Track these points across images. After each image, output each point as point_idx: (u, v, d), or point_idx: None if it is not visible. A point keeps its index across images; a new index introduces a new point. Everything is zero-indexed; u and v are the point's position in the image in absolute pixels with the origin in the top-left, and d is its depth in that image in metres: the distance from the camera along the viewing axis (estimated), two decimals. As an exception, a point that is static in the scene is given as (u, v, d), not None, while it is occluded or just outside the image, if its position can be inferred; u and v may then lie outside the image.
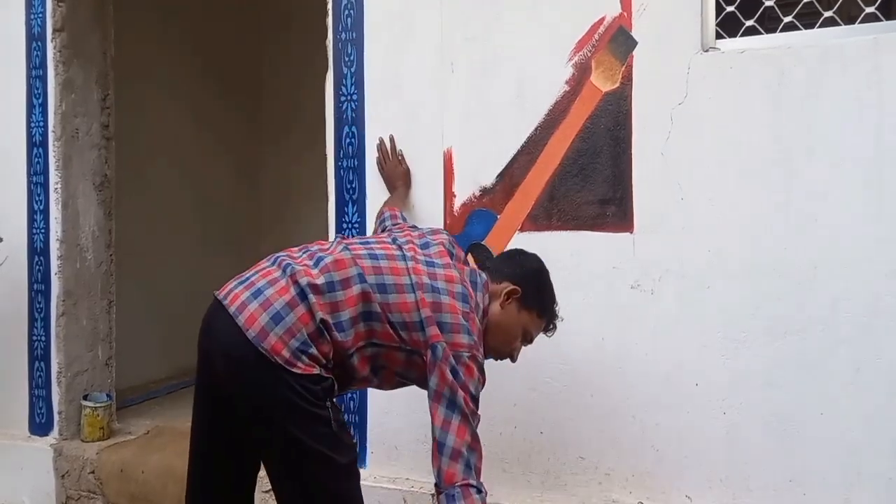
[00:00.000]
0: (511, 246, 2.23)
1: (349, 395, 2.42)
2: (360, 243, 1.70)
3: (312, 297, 1.54)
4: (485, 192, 2.28)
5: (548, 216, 2.20)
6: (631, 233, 2.10)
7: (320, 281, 1.56)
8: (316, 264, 1.60)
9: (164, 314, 4.00)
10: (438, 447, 1.53)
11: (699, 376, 2.02)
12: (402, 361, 1.63)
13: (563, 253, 2.17)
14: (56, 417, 2.94)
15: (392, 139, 2.38)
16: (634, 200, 2.09)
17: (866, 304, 1.87)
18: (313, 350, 1.52)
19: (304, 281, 1.55)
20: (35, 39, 2.98)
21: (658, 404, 2.07)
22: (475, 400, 1.58)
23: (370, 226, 2.38)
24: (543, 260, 1.84)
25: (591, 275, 2.14)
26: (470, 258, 1.89)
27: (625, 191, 2.11)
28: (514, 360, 1.80)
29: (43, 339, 2.98)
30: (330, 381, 1.57)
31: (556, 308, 1.82)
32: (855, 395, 1.89)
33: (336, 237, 1.78)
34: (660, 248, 2.07)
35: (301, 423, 1.51)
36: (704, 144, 2.02)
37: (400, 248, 1.69)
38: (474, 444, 1.55)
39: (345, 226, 2.46)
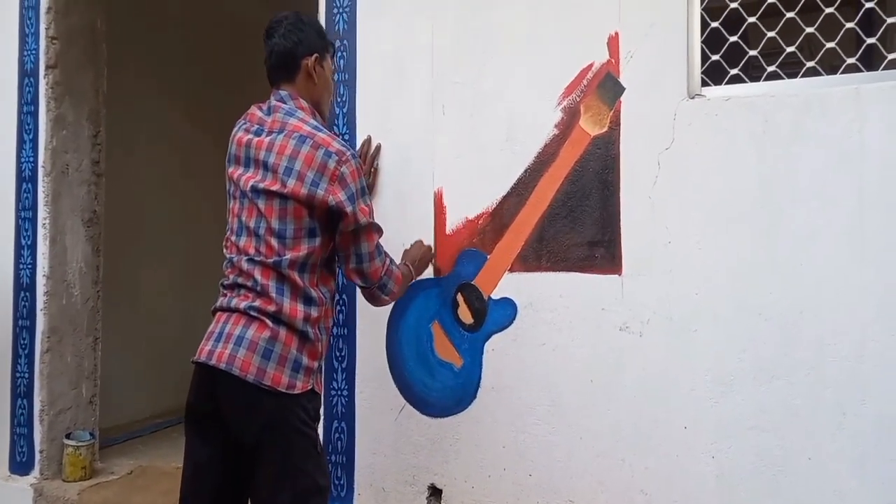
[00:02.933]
0: (503, 287, 2.24)
1: (336, 435, 2.40)
2: (238, 237, 1.76)
3: (284, 315, 1.66)
4: (475, 232, 2.29)
5: (537, 257, 2.21)
6: (619, 275, 2.12)
7: (276, 301, 1.66)
8: (259, 292, 1.67)
9: (149, 352, 3.97)
10: (356, 259, 1.77)
11: (688, 419, 2.02)
12: (328, 248, 1.79)
13: (552, 294, 2.18)
14: (37, 456, 2.90)
15: (372, 143, 2.41)
16: (623, 243, 2.11)
17: (852, 348, 1.88)
18: (305, 361, 1.69)
19: (270, 310, 1.66)
20: (27, 75, 3.00)
21: (647, 447, 2.07)
22: (366, 191, 1.78)
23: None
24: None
25: (579, 316, 2.15)
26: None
27: (613, 233, 2.13)
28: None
29: (26, 375, 2.94)
30: (319, 399, 1.77)
31: (325, 32, 1.96)
32: (841, 439, 1.89)
33: (229, 255, 1.80)
34: (648, 290, 2.08)
35: (296, 442, 1.65)
36: (691, 189, 2.05)
37: (247, 195, 1.74)
38: (380, 237, 1.83)
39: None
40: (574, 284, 2.16)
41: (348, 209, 1.69)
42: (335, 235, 1.76)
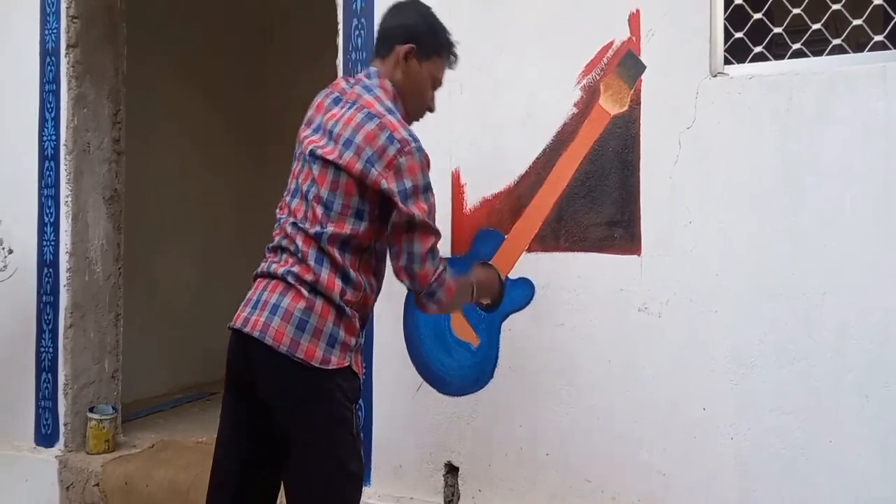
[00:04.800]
0: (520, 267, 2.24)
1: (354, 412, 2.42)
2: (291, 198, 1.72)
3: (321, 286, 1.59)
4: (492, 212, 2.29)
5: (555, 237, 2.21)
6: (639, 255, 2.10)
7: (314, 271, 1.60)
8: (299, 259, 1.63)
9: (169, 329, 4.02)
10: (408, 256, 1.63)
11: (707, 401, 2.02)
12: (381, 237, 1.68)
13: (571, 274, 2.17)
14: (62, 429, 2.95)
15: None
16: (642, 223, 2.10)
17: (875, 331, 1.86)
18: (342, 335, 1.61)
19: (308, 278, 1.60)
20: (49, 55, 3.01)
21: (665, 429, 2.07)
22: (427, 189, 1.65)
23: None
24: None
25: (597, 297, 2.14)
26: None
27: (633, 213, 2.11)
28: (432, 109, 1.86)
29: (51, 350, 2.99)
30: (359, 381, 1.67)
31: (451, 36, 1.81)
32: (864, 422, 1.87)
33: (279, 216, 1.78)
34: (667, 271, 2.07)
35: (330, 423, 1.59)
36: (713, 168, 2.03)
37: (306, 157, 1.70)
38: (436, 240, 1.66)
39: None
40: (592, 265, 2.15)
41: (399, 199, 1.59)
42: (386, 226, 1.68)
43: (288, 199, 1.75)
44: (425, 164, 1.65)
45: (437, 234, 1.68)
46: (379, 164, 1.59)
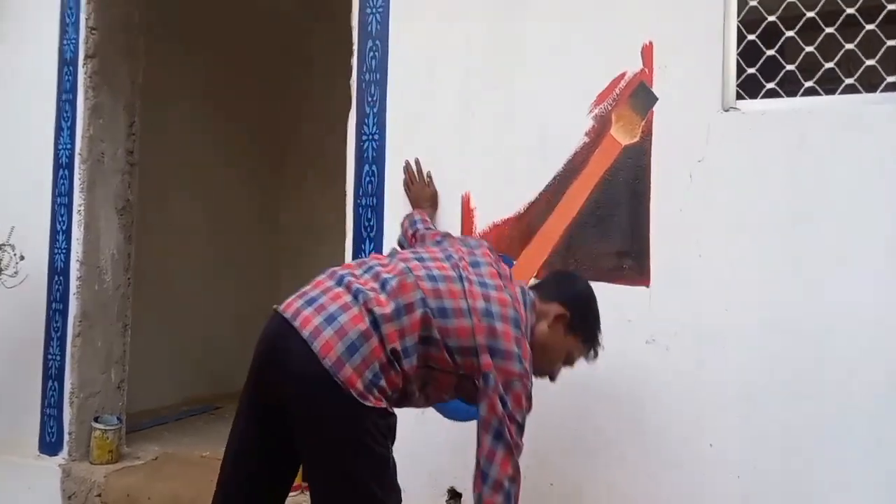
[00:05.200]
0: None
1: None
2: (417, 261, 1.68)
3: (385, 327, 1.53)
4: (501, 237, 2.30)
5: (564, 265, 2.21)
6: (647, 286, 2.11)
7: (390, 309, 1.55)
8: (382, 287, 1.59)
9: (177, 341, 4.03)
10: (482, 476, 1.57)
11: (714, 437, 2.01)
12: (452, 385, 1.65)
13: (578, 303, 2.17)
14: (66, 438, 2.96)
15: (418, 162, 2.40)
16: (652, 254, 2.10)
17: (886, 371, 1.86)
18: (383, 382, 1.52)
19: (377, 311, 1.54)
20: (67, 64, 3.05)
21: (673, 463, 2.06)
22: (521, 430, 1.61)
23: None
24: None
25: (605, 328, 2.11)
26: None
27: (642, 244, 2.12)
28: (553, 379, 1.83)
29: (58, 358, 3.01)
30: (394, 419, 1.59)
31: (600, 336, 1.83)
32: (875, 464, 1.86)
33: (393, 251, 1.78)
34: (676, 303, 2.07)
35: (362, 457, 1.52)
36: (723, 202, 2.03)
37: (455, 266, 1.68)
38: (515, 476, 1.59)
39: (361, 263, 2.48)
40: (601, 294, 2.12)
41: (498, 400, 1.55)
42: (451, 389, 1.66)
43: (413, 257, 1.71)
44: (529, 408, 1.63)
45: (518, 473, 1.61)
46: (499, 362, 1.57)
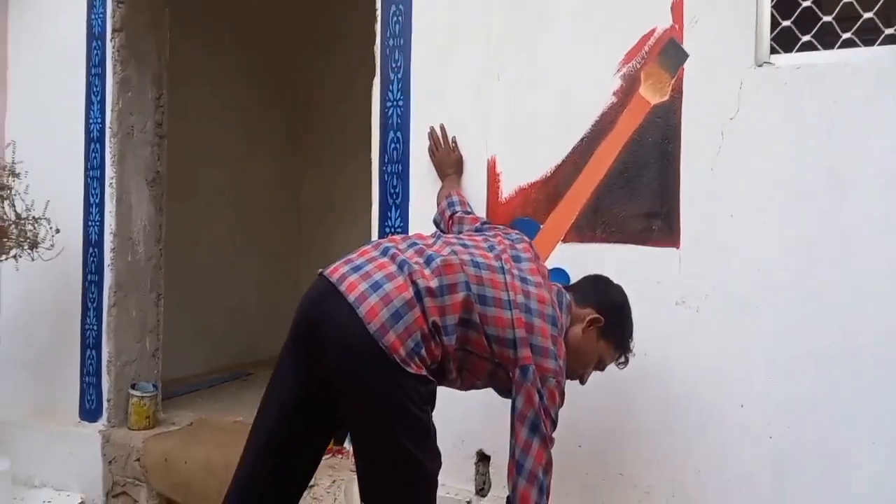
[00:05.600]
0: (556, 257, 2.23)
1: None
2: (461, 245, 1.70)
3: (427, 301, 1.56)
4: (528, 201, 2.27)
5: (592, 228, 2.18)
6: (677, 248, 2.07)
7: (434, 284, 1.57)
8: (427, 263, 1.61)
9: (208, 310, 4.10)
10: (517, 467, 1.61)
11: (744, 399, 1.98)
12: (486, 371, 1.67)
13: (607, 266, 2.13)
14: (105, 405, 3.04)
15: (443, 127, 2.38)
16: (681, 215, 2.06)
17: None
18: (423, 352, 1.55)
19: (421, 283, 1.56)
20: (95, 38, 3.08)
21: (701, 425, 2.04)
22: (554, 425, 1.64)
23: (413, 230, 2.39)
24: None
25: (634, 290, 2.09)
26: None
27: (672, 205, 2.08)
28: (583, 382, 1.85)
29: (95, 328, 3.08)
30: (434, 385, 1.60)
31: (632, 343, 1.84)
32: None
33: (436, 233, 1.80)
34: (706, 265, 2.03)
35: (403, 422, 1.54)
36: (756, 161, 1.98)
37: (498, 257, 1.70)
38: (549, 468, 1.63)
39: (388, 230, 2.48)
40: (630, 257, 2.13)
41: (536, 393, 1.58)
42: (485, 378, 1.69)
43: (457, 242, 1.72)
44: (561, 404, 1.66)
45: (551, 463, 1.63)
46: (536, 358, 1.59)
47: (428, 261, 1.61)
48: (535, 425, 1.60)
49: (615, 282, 1.89)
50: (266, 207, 4.68)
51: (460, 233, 2.00)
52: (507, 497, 1.66)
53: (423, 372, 1.55)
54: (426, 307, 1.55)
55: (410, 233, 2.40)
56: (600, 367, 1.84)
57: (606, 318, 1.76)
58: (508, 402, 2.29)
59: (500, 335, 1.61)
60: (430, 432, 1.60)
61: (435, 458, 1.63)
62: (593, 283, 1.88)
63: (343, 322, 1.53)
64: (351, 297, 1.53)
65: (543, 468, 1.61)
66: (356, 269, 1.59)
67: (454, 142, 2.37)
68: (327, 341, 1.56)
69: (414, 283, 1.56)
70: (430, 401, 1.60)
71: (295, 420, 1.69)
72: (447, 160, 2.35)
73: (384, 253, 1.64)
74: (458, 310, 1.58)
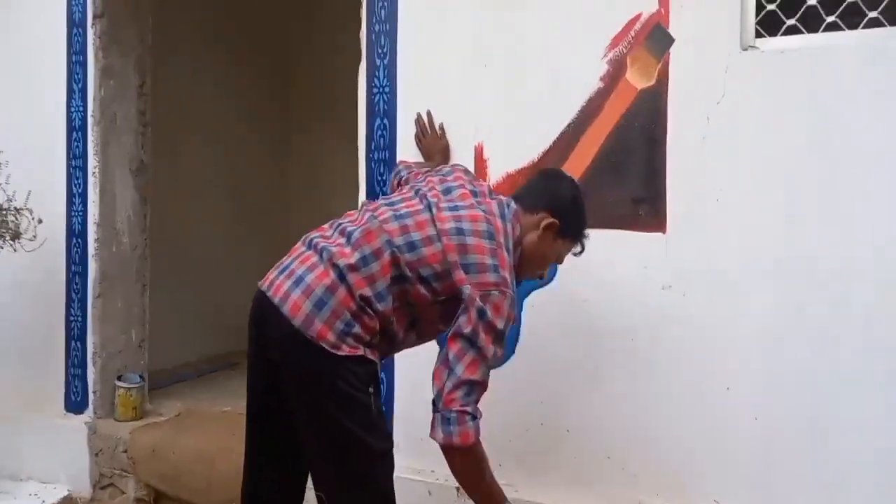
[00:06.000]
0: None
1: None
2: (386, 206, 1.72)
3: (351, 277, 1.58)
4: (516, 187, 2.25)
5: (579, 213, 2.18)
6: (664, 233, 2.08)
7: (354, 259, 1.60)
8: (348, 241, 1.64)
9: (195, 299, 4.07)
10: (447, 371, 1.57)
11: (732, 379, 2.00)
12: (438, 314, 1.67)
13: (594, 251, 2.14)
14: (91, 396, 3.02)
15: (430, 114, 2.37)
16: (668, 200, 2.07)
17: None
18: (357, 329, 1.58)
19: (341, 263, 1.59)
20: (76, 25, 3.03)
21: (689, 406, 2.06)
22: (500, 338, 1.60)
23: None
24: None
25: (621, 274, 2.13)
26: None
27: (658, 190, 2.09)
28: (543, 277, 1.89)
29: (80, 319, 3.05)
30: (374, 365, 1.63)
31: (587, 230, 1.85)
32: (892, 400, 1.85)
33: (363, 204, 1.80)
34: (693, 249, 2.05)
35: (341, 405, 1.58)
36: (742, 145, 1.99)
37: (423, 198, 1.71)
38: (482, 381, 1.59)
39: (375, 217, 2.47)
40: (617, 241, 2.13)
41: (474, 313, 1.55)
42: (436, 323, 1.68)
43: (382, 202, 1.74)
44: (511, 317, 1.62)
45: (486, 380, 1.60)
46: (472, 275, 1.58)
47: (349, 238, 1.64)
48: (471, 341, 1.56)
49: (566, 176, 1.88)
50: (254, 196, 4.65)
51: None
52: (432, 400, 1.60)
53: (360, 351, 1.58)
54: (351, 284, 1.58)
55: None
56: (559, 260, 1.86)
57: (561, 220, 1.75)
58: (497, 388, 2.30)
59: (436, 270, 1.61)
60: (371, 411, 1.62)
61: (382, 439, 1.65)
62: (542, 184, 1.84)
63: (274, 325, 1.61)
64: (276, 300, 1.60)
65: (475, 381, 1.56)
66: (283, 271, 1.66)
67: (441, 129, 2.36)
68: (269, 349, 1.66)
69: (334, 265, 1.60)
70: (371, 380, 1.62)
71: (272, 423, 1.74)
72: (434, 147, 2.34)
73: (309, 245, 1.68)
74: (388, 271, 1.60)
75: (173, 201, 3.82)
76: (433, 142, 2.35)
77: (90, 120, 3.01)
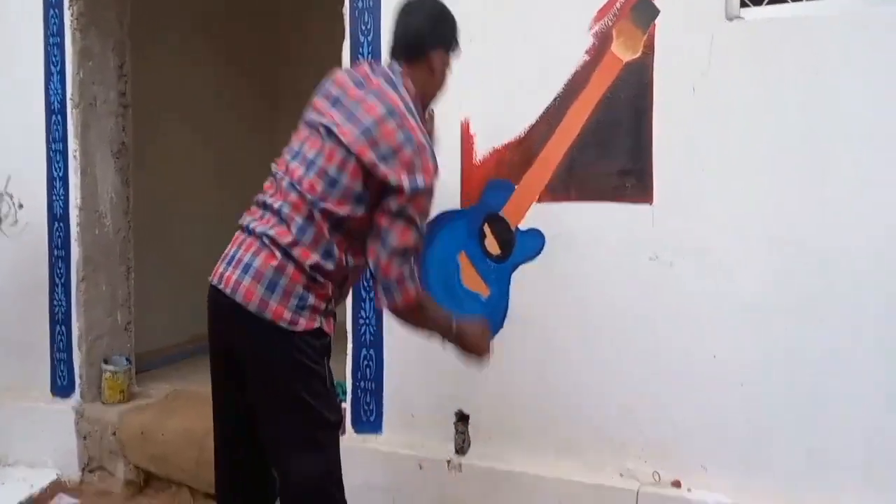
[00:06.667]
0: (531, 217, 2.23)
1: (365, 362, 2.45)
2: (292, 158, 1.72)
3: (296, 251, 1.63)
4: (502, 162, 2.27)
5: (566, 187, 2.19)
6: (650, 204, 2.09)
7: (294, 234, 1.63)
8: (280, 218, 1.66)
9: (180, 280, 4.03)
10: (381, 241, 1.63)
11: (718, 350, 2.02)
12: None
13: (582, 224, 2.17)
14: (77, 381, 3.00)
15: None
16: (655, 172, 2.08)
17: (893, 285, 1.85)
18: (311, 300, 1.64)
19: (283, 242, 1.63)
20: (52, 7, 2.98)
21: (676, 376, 2.08)
22: (431, 193, 1.66)
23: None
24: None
25: (609, 247, 2.13)
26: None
27: (645, 162, 2.09)
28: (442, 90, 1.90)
29: (63, 304, 3.02)
30: (328, 338, 1.72)
31: (459, 34, 1.86)
32: (880, 375, 1.88)
33: (274, 170, 1.78)
34: (680, 220, 2.06)
35: (300, 376, 1.65)
36: (728, 116, 1.99)
37: (319, 127, 1.70)
38: (415, 244, 1.66)
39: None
40: (603, 214, 2.14)
41: (406, 189, 1.59)
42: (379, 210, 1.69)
43: (288, 158, 1.75)
44: (436, 172, 1.67)
45: (419, 240, 1.67)
46: (392, 161, 1.60)
47: (279, 215, 1.66)
48: (399, 212, 1.61)
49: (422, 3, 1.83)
50: (239, 174, 4.59)
51: None
52: (370, 275, 1.68)
53: (316, 324, 1.65)
54: (297, 258, 1.62)
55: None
56: (450, 69, 1.88)
57: (441, 46, 1.78)
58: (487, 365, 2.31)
59: (363, 182, 1.62)
60: (325, 383, 1.69)
61: (334, 409, 1.72)
62: (409, 28, 1.79)
63: (230, 315, 1.66)
64: (228, 290, 1.65)
65: (409, 246, 1.64)
66: (230, 261, 1.69)
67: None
68: (229, 337, 1.71)
69: (278, 245, 1.63)
70: (325, 352, 1.71)
71: (238, 415, 1.77)
72: None
73: (249, 232, 1.70)
74: (324, 226, 1.63)
75: (157, 183, 3.77)
76: None
77: (69, 103, 2.97)
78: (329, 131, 1.67)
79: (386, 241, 1.62)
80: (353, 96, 1.70)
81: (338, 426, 1.75)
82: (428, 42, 1.77)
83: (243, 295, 1.62)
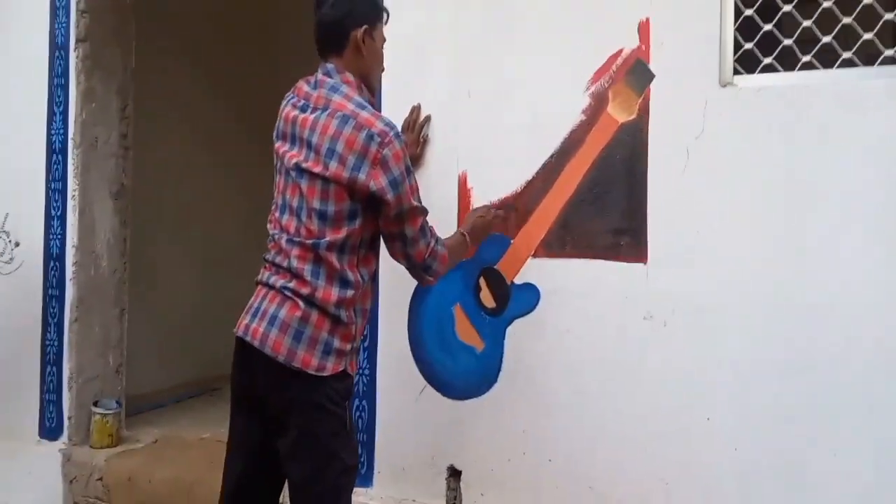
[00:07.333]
0: (526, 272, 2.25)
1: (357, 413, 2.44)
2: (280, 212, 1.77)
3: (317, 299, 1.67)
4: (498, 216, 2.29)
5: (561, 244, 2.21)
6: (644, 263, 2.11)
7: (311, 284, 1.67)
8: (294, 274, 1.69)
9: (173, 324, 4.03)
10: (402, 241, 1.76)
11: (711, 411, 2.02)
12: (373, 228, 1.77)
13: (576, 281, 2.18)
14: (66, 423, 2.97)
15: (419, 110, 2.38)
16: (649, 231, 2.10)
17: (877, 344, 1.87)
18: (337, 344, 1.69)
19: (303, 292, 1.67)
20: (58, 49, 3.03)
21: (669, 437, 2.07)
22: (411, 171, 1.74)
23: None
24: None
25: (603, 304, 2.15)
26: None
27: (639, 221, 2.11)
28: (383, 70, 1.97)
29: (56, 344, 3.01)
30: (351, 379, 1.78)
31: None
32: (867, 434, 1.88)
33: (272, 231, 1.81)
34: (673, 280, 2.07)
35: (323, 422, 1.68)
36: (720, 179, 2.02)
37: (289, 171, 1.73)
38: (425, 217, 1.78)
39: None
40: (598, 272, 2.16)
41: (389, 196, 1.66)
42: (378, 217, 1.74)
43: (277, 214, 1.79)
44: (405, 148, 1.73)
45: (424, 213, 1.78)
46: (365, 167, 1.65)
47: (292, 271, 1.70)
48: (398, 214, 1.71)
49: None
50: (236, 220, 4.62)
51: None
52: (408, 271, 1.83)
53: (341, 367, 1.70)
54: (320, 304, 1.67)
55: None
56: (384, 40, 1.91)
57: (367, 22, 1.78)
58: (480, 417, 2.31)
59: (348, 204, 1.67)
60: (346, 426, 1.73)
61: (353, 454, 1.76)
62: (332, 25, 1.78)
63: (258, 365, 1.70)
64: (257, 343, 1.68)
65: (422, 227, 1.77)
66: (255, 314, 1.73)
67: (425, 136, 2.38)
68: (256, 387, 1.73)
69: (299, 296, 1.67)
70: (347, 395, 1.76)
71: (255, 458, 1.79)
72: (408, 139, 2.28)
73: (270, 286, 1.74)
74: (332, 257, 1.67)
75: (153, 227, 3.79)
76: (409, 135, 2.33)
77: (70, 143, 3.00)
78: (300, 170, 1.70)
79: (406, 238, 1.74)
80: (306, 125, 1.72)
81: (355, 469, 1.78)
82: (346, 26, 1.76)
83: (272, 347, 1.66)
